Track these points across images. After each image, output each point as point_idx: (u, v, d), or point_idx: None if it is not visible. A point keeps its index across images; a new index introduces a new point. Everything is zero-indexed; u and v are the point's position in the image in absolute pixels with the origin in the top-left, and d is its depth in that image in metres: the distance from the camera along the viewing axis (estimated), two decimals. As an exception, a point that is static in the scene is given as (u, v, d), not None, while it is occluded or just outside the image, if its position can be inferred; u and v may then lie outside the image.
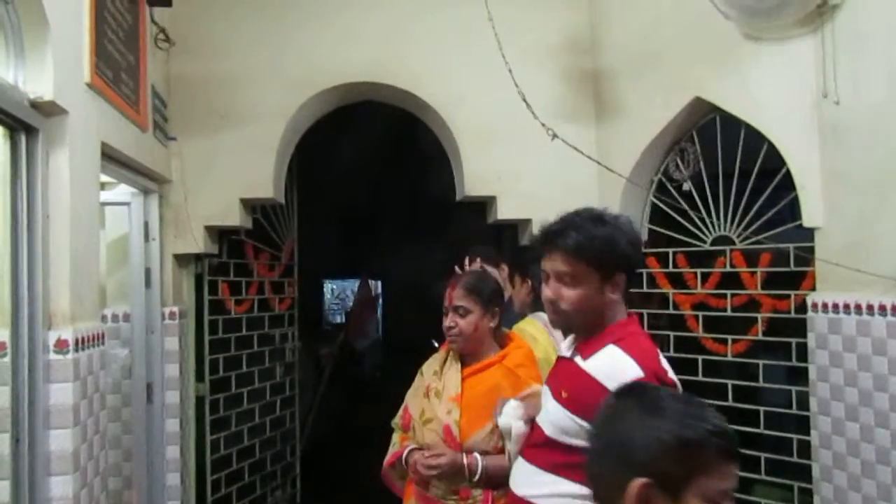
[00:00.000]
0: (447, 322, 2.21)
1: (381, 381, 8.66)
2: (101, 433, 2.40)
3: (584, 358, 1.57)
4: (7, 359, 2.03)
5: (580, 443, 1.49)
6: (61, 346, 2.14)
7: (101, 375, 2.42)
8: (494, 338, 2.25)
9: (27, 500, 2.03)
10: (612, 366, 1.50)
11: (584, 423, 1.45)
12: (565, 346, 1.70)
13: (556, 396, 1.60)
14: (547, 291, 1.64)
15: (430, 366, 2.34)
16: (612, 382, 1.42)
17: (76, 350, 2.18)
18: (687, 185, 3.32)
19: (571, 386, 1.57)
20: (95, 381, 2.36)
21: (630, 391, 1.13)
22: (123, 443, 3.38)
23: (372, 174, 7.23)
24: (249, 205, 3.74)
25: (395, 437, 2.35)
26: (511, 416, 1.76)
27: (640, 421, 1.02)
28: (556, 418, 1.57)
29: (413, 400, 2.32)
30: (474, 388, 2.16)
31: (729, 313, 3.15)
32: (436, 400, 2.19)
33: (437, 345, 2.56)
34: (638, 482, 0.99)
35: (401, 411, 2.37)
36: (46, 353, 2.12)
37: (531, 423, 1.72)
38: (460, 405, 2.13)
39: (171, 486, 3.44)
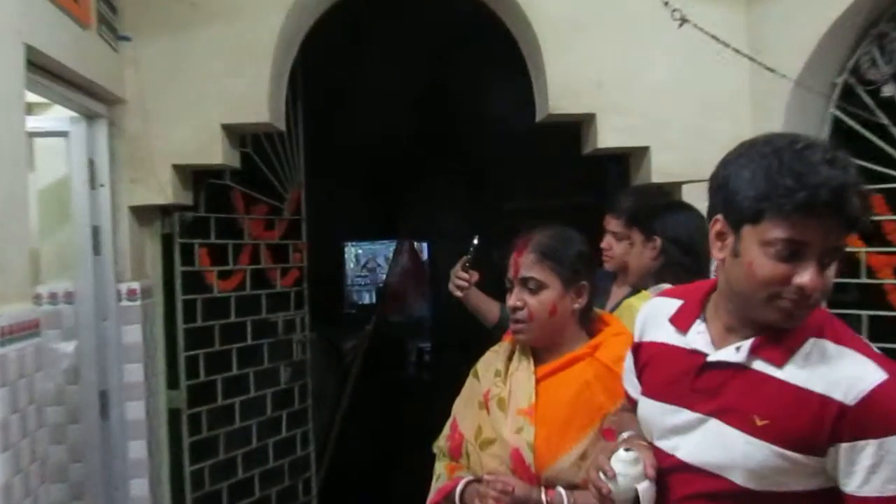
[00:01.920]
0: (511, 301, 2.24)
1: (432, 382, 9.00)
2: (41, 461, 2.43)
3: (780, 364, 1.56)
4: None
5: (797, 487, 1.52)
6: (-20, 337, 2.17)
7: (38, 379, 2.44)
8: (581, 325, 2.27)
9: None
10: (840, 370, 1.50)
11: (801, 458, 1.51)
12: (730, 351, 1.62)
13: (741, 425, 1.58)
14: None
15: (489, 364, 2.36)
16: (845, 393, 1.46)
17: (2, 344, 2.20)
18: (889, 89, 3.22)
19: (772, 407, 1.55)
20: (30, 388, 2.38)
21: None
22: (71, 474, 3.45)
23: (414, 95, 7.21)
24: (236, 134, 3.74)
25: (440, 467, 2.39)
26: (628, 476, 1.67)
27: None
28: (754, 458, 1.55)
29: (465, 412, 2.35)
30: (554, 395, 2.16)
31: (954, 281, 3.12)
32: (499, 413, 2.21)
33: (475, 243, 2.93)
34: None
35: (446, 429, 2.41)
36: (-40, 349, 2.15)
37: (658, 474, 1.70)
38: (535, 420, 2.14)
39: (138, 537, 3.52)
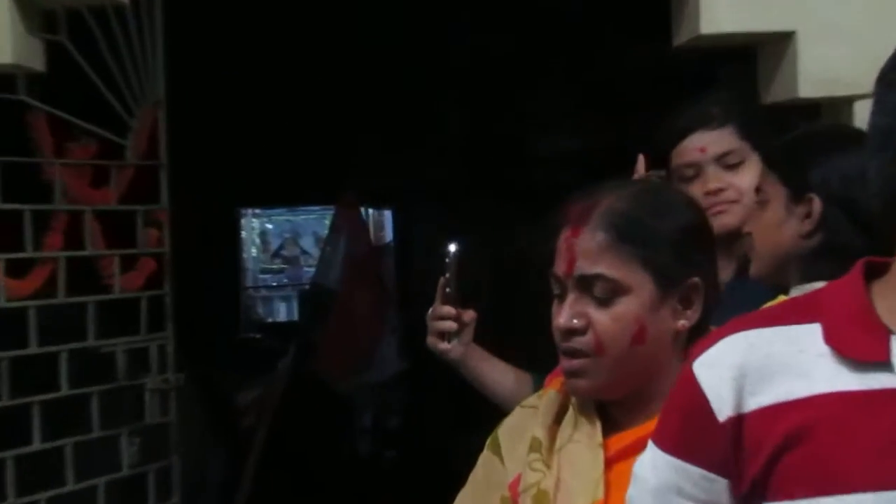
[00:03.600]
0: (561, 318, 2.21)
1: (402, 462, 9.15)
2: None
3: None
4: None
5: None
6: None
7: None
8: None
9: None
10: None
11: None
12: None
13: None
14: None
15: (521, 430, 2.36)
16: None
17: None
18: None
19: None
20: None
21: None
22: None
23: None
24: (37, 11, 3.75)
25: None
26: None
27: None
28: None
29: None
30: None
31: None
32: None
33: (452, 251, 2.94)
34: None
35: None
36: None
37: None
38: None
39: None
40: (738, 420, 1.68)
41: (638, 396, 2.21)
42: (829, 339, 1.64)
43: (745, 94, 3.41)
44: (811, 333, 1.65)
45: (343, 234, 8.67)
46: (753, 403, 1.67)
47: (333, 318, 8.43)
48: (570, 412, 2.26)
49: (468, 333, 2.96)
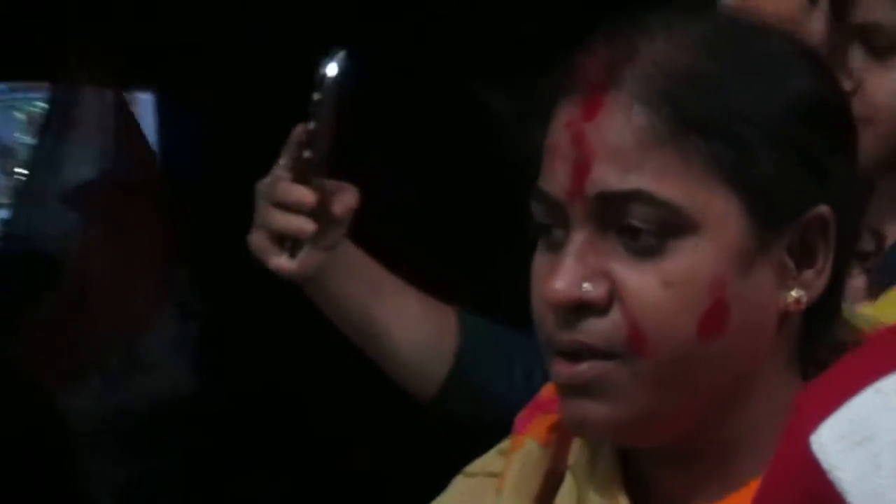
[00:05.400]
0: (558, 283, 1.75)
1: None
2: None
3: None
4: None
5: None
6: None
7: None
8: (802, 363, 1.81)
9: None
10: None
11: None
12: None
13: None
14: None
15: None
16: None
17: None
18: None
19: None
20: None
21: None
22: None
23: None
24: None
25: None
26: None
27: None
28: None
29: None
30: None
31: None
32: None
33: (328, 75, 2.88)
34: None
35: None
36: None
37: None
38: None
39: None
40: None
41: (711, 442, 1.75)
42: None
43: None
44: None
45: (79, 135, 7.59)
46: None
47: (56, 298, 7.23)
48: (568, 482, 1.85)
49: (336, 233, 2.56)
